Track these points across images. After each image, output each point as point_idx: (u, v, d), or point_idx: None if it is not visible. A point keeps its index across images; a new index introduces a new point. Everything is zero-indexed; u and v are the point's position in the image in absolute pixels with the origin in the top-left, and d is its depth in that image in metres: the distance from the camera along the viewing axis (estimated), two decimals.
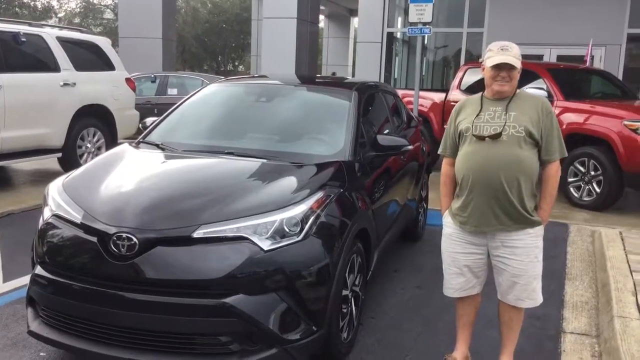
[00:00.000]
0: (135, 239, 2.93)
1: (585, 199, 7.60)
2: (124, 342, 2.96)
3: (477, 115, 3.12)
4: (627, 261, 5.03)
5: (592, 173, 7.49)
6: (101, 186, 3.41)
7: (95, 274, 3.00)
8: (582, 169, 7.60)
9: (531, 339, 3.87)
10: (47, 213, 3.38)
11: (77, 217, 3.18)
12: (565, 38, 13.29)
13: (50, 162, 8.59)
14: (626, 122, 7.13)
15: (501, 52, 3.04)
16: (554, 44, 13.56)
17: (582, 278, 5.04)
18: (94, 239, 3.03)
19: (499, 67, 3.03)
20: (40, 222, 3.38)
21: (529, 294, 3.15)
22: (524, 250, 3.09)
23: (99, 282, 2.98)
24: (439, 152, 3.39)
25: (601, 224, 6.74)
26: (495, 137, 3.03)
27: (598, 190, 7.44)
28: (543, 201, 3.14)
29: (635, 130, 7.02)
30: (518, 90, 3.15)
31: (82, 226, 3.12)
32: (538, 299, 3.20)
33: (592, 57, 12.05)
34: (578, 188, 7.68)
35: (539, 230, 3.13)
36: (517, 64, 3.03)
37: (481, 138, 3.06)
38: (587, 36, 11.54)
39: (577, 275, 5.11)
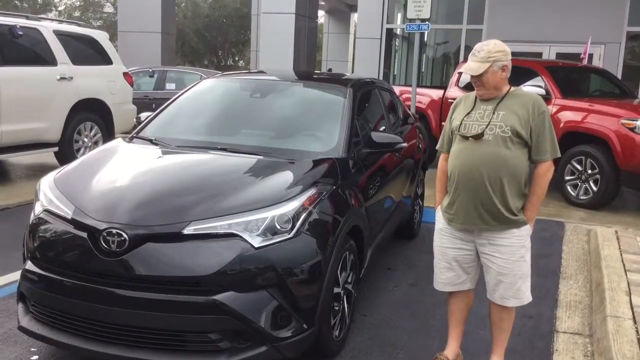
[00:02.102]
0: (125, 235, 2.92)
1: (581, 197, 7.59)
2: (114, 338, 2.96)
3: (468, 114, 3.13)
4: (622, 260, 5.02)
5: (589, 171, 7.48)
6: (92, 181, 3.40)
7: (86, 270, 2.99)
8: (579, 167, 7.58)
9: (523, 338, 3.87)
10: (38, 208, 3.37)
11: (68, 212, 3.16)
12: (564, 36, 13.25)
13: (47, 156, 8.57)
14: (623, 121, 7.12)
15: (472, 57, 3.05)
16: (553, 42, 13.52)
17: (576, 277, 5.04)
18: (84, 235, 3.02)
19: (471, 75, 3.05)
20: (32, 217, 3.37)
21: (514, 292, 3.14)
22: (510, 249, 3.08)
23: (89, 278, 2.97)
24: (437, 148, 3.41)
25: (597, 223, 6.73)
26: (478, 137, 3.03)
27: (595, 188, 7.43)
28: (529, 201, 3.11)
29: (632, 129, 7.01)
30: (513, 88, 3.13)
31: (72, 222, 3.11)
32: (524, 298, 3.18)
33: (590, 55, 12.03)
34: (575, 186, 7.67)
35: (525, 231, 3.10)
36: (480, 69, 3.00)
37: (465, 137, 3.08)
38: (587, 34, 11.51)
39: (572, 275, 5.10)
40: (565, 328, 4.05)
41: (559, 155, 3.11)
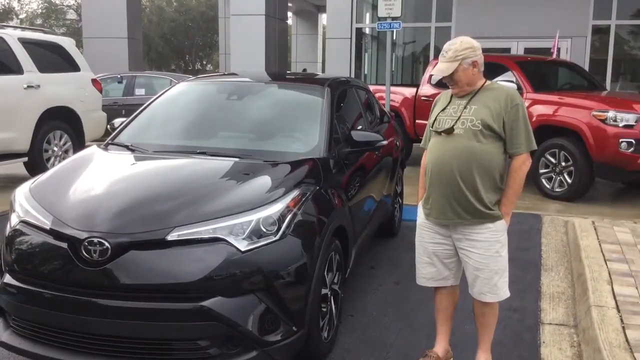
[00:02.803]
0: (107, 244, 2.85)
1: (556, 189, 7.68)
2: (99, 350, 2.88)
3: (444, 109, 3.15)
4: (601, 250, 5.08)
5: (563, 164, 7.57)
6: (70, 190, 3.31)
7: (67, 280, 2.91)
8: (553, 160, 7.67)
9: (510, 332, 3.88)
10: (14, 219, 3.27)
11: (46, 222, 3.07)
12: (531, 31, 13.44)
13: (17, 167, 8.37)
14: (595, 113, 7.22)
15: (440, 58, 3.08)
16: (521, 37, 13.70)
17: (557, 269, 5.08)
18: (65, 245, 2.94)
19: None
20: (8, 229, 3.27)
21: (491, 288, 3.13)
22: (485, 244, 3.07)
23: (71, 289, 2.89)
24: (420, 145, 3.41)
25: (574, 214, 6.81)
26: (448, 131, 3.05)
27: (569, 181, 7.52)
28: (504, 195, 3.09)
29: (603, 121, 7.11)
30: (488, 82, 3.14)
31: (51, 232, 3.02)
32: (501, 293, 3.16)
33: (559, 49, 12.20)
34: (549, 179, 7.75)
35: (500, 225, 3.09)
36: (449, 69, 3.00)
37: (438, 132, 3.10)
38: (554, 28, 11.67)
39: (553, 266, 5.14)
40: (550, 319, 4.08)
41: (535, 147, 3.10)
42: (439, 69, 3.05)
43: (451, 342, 3.49)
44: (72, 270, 2.89)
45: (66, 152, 8.53)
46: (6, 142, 7.64)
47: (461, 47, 3.02)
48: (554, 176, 7.70)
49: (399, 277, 4.85)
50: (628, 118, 7.03)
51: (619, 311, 3.83)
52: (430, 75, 9.77)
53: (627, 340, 3.43)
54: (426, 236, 3.25)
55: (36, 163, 8.00)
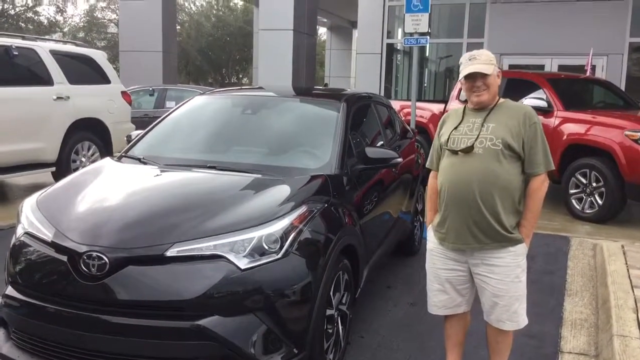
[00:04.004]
0: (105, 258, 2.81)
1: (587, 211, 7.43)
2: None
3: (456, 128, 3.01)
4: (629, 276, 4.86)
5: (594, 184, 7.32)
6: (75, 203, 3.29)
7: (66, 294, 2.88)
8: (583, 180, 7.43)
9: (526, 359, 3.71)
10: (19, 231, 3.27)
11: (48, 235, 3.06)
12: (566, 48, 13.17)
13: (45, 176, 8.49)
14: (628, 133, 6.98)
15: (469, 62, 2.92)
16: (555, 54, 13.43)
17: (582, 294, 4.88)
18: (64, 258, 2.91)
19: (472, 77, 2.91)
20: (13, 240, 3.27)
21: (510, 315, 2.99)
22: (504, 270, 2.93)
23: (70, 303, 2.86)
24: (426, 165, 3.27)
25: (603, 237, 6.57)
26: (467, 150, 2.90)
27: (600, 202, 7.27)
28: (524, 217, 2.96)
29: (637, 141, 6.86)
30: (502, 100, 3.02)
31: (52, 244, 3.00)
32: (520, 321, 3.02)
33: (594, 67, 11.92)
34: (580, 200, 7.51)
35: (521, 249, 2.95)
36: (489, 69, 2.90)
37: (454, 152, 2.94)
38: (589, 46, 11.41)
39: (577, 291, 4.94)
40: (570, 348, 3.89)
41: (553, 167, 2.97)
42: (477, 68, 2.88)
43: None
44: (71, 284, 2.86)
45: (94, 162, 8.61)
46: (35, 151, 7.75)
47: (491, 55, 2.94)
48: (584, 197, 7.45)
49: (415, 298, 4.71)
50: None
51: None
52: (459, 92, 9.63)
53: None
54: (438, 262, 3.10)
55: (64, 173, 8.06)
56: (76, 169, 8.37)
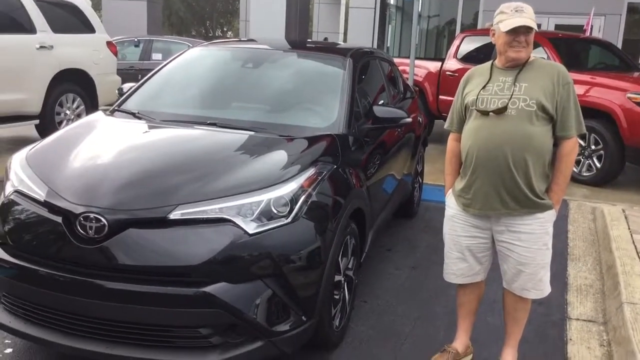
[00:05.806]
0: (104, 220, 2.62)
1: (584, 174, 7.34)
2: (93, 334, 2.67)
3: (484, 87, 2.80)
4: (633, 242, 4.78)
5: (593, 147, 7.22)
6: (69, 159, 3.07)
7: (60, 258, 2.69)
8: (582, 142, 7.30)
9: (534, 327, 3.62)
10: (8, 189, 3.05)
11: (41, 193, 2.85)
12: (563, 7, 12.92)
13: (28, 129, 8.19)
14: (630, 95, 6.84)
15: (516, 13, 2.68)
16: (552, 13, 13.18)
17: (585, 259, 4.80)
18: (59, 219, 2.72)
19: (516, 31, 2.68)
20: (1, 198, 3.05)
21: (535, 284, 2.88)
22: (531, 237, 2.80)
23: (65, 267, 2.67)
24: (445, 127, 3.08)
25: (602, 201, 6.49)
26: (500, 111, 2.71)
27: (599, 165, 7.18)
28: (555, 182, 2.81)
29: (639, 104, 6.73)
30: (532, 58, 2.82)
31: (45, 204, 2.80)
32: (545, 289, 2.92)
33: (591, 27, 11.71)
34: (577, 162, 7.38)
35: (550, 215, 2.81)
36: (535, 25, 2.69)
37: (485, 113, 2.75)
38: (586, 5, 11.19)
39: (580, 256, 4.86)
40: (577, 315, 3.82)
41: (585, 131, 2.82)
42: (522, 22, 2.65)
43: (472, 335, 3.24)
44: (66, 247, 2.67)
45: (79, 115, 8.31)
46: (17, 103, 7.43)
47: (533, 12, 2.73)
48: (582, 159, 7.34)
49: (416, 261, 4.60)
50: None
51: None
52: (457, 49, 9.40)
53: None
54: (459, 229, 2.95)
55: (47, 126, 7.79)
56: (60, 122, 8.10)
